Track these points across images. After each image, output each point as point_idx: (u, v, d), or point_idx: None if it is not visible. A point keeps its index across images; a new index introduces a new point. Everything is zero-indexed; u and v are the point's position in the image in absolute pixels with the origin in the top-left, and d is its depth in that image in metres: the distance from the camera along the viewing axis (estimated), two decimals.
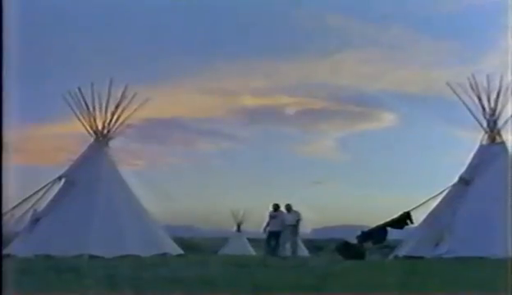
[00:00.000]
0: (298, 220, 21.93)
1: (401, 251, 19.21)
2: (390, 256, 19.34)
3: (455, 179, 19.96)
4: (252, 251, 43.88)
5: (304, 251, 44.62)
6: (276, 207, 22.40)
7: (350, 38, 78.80)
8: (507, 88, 19.92)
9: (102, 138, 21.26)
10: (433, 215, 19.39)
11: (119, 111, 21.10)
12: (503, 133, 20.18)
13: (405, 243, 19.76)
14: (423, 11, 69.05)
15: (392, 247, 20.55)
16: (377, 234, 19.19)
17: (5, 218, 15.59)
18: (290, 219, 21.77)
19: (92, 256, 16.85)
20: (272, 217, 22.24)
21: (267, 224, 22.26)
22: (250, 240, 48.21)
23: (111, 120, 21.19)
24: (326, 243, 40.20)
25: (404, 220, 19.30)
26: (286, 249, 21.67)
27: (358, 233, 19.35)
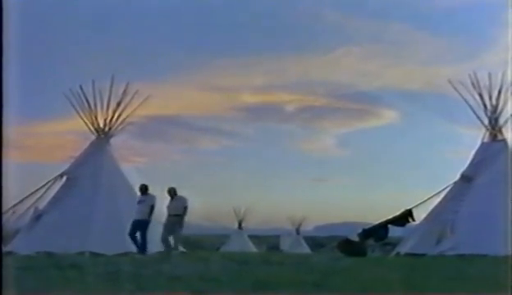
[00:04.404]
0: (184, 208, 16.99)
1: (403, 249, 19.22)
2: (392, 254, 19.35)
3: (457, 177, 19.96)
4: (253, 248, 44.00)
5: (305, 248, 44.82)
6: (144, 189, 17.41)
7: (350, 36, 78.95)
8: (508, 86, 19.92)
9: (103, 135, 21.28)
10: (435, 213, 19.40)
11: (120, 108, 21.13)
12: (504, 130, 20.21)
13: (407, 240, 19.77)
14: (423, 8, 69.04)
15: (394, 245, 20.57)
16: (378, 231, 19.18)
17: (6, 215, 15.63)
18: (173, 207, 16.91)
19: (93, 254, 16.84)
20: (138, 202, 17.29)
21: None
22: (251, 237, 48.34)
23: (112, 118, 21.21)
24: (327, 240, 40.21)
25: (405, 217, 19.30)
26: (168, 244, 16.73)
27: (360, 230, 19.35)
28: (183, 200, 16.92)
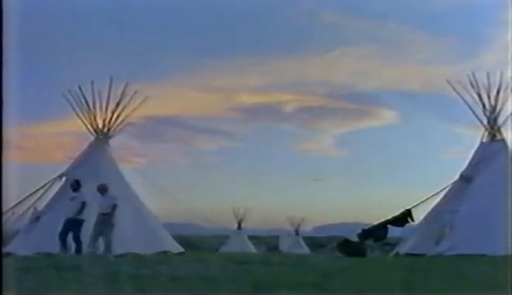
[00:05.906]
0: (113, 206, 15.50)
1: (402, 249, 19.23)
2: (391, 254, 19.36)
3: (456, 177, 19.97)
4: (252, 249, 44.03)
5: (304, 249, 44.82)
6: (76, 185, 16.04)
7: (348, 36, 79.11)
8: (507, 85, 19.94)
9: (102, 136, 21.27)
10: (434, 213, 19.41)
11: (119, 109, 21.13)
12: (503, 130, 20.22)
13: (406, 241, 19.78)
14: (421, 8, 69.19)
15: (393, 245, 20.59)
16: (377, 232, 19.19)
17: (5, 216, 15.59)
18: (101, 205, 15.59)
19: (92, 254, 16.81)
20: (70, 199, 16.02)
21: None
22: (251, 238, 48.34)
23: (111, 118, 21.21)
24: (326, 241, 40.22)
25: (405, 217, 19.31)
26: (96, 246, 15.57)
27: (359, 230, 19.36)
28: (112, 197, 15.79)
